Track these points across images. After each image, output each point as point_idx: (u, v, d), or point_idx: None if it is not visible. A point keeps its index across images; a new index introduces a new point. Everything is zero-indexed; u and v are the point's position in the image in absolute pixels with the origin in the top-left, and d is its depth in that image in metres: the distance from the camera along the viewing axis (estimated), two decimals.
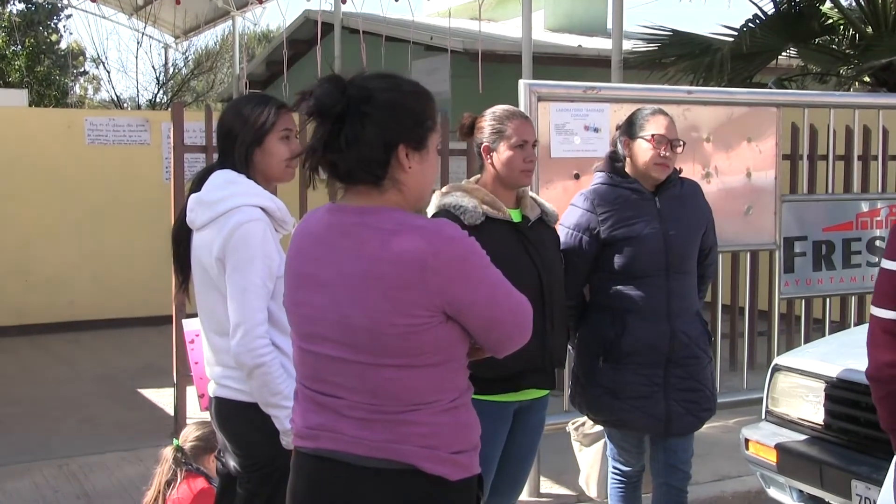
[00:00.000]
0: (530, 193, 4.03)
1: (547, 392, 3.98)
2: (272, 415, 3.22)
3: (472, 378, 3.62)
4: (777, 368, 4.71)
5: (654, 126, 4.12)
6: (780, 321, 6.47)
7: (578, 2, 17.58)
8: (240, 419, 3.33)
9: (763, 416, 4.75)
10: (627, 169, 4.16)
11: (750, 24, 10.00)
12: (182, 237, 3.45)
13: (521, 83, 5.20)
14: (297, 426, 2.58)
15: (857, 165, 6.90)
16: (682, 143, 4.17)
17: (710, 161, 5.70)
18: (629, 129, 4.20)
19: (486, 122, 3.86)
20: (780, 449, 4.41)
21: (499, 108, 3.92)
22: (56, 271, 10.91)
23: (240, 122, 3.39)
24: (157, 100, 26.50)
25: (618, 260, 4.07)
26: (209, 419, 4.21)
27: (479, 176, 3.94)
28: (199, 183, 3.43)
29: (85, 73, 30.14)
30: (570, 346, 4.29)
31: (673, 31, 10.78)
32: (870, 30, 10.46)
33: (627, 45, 11.19)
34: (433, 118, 2.53)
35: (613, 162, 4.22)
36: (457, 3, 18.28)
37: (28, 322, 10.93)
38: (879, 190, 6.76)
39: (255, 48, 24.38)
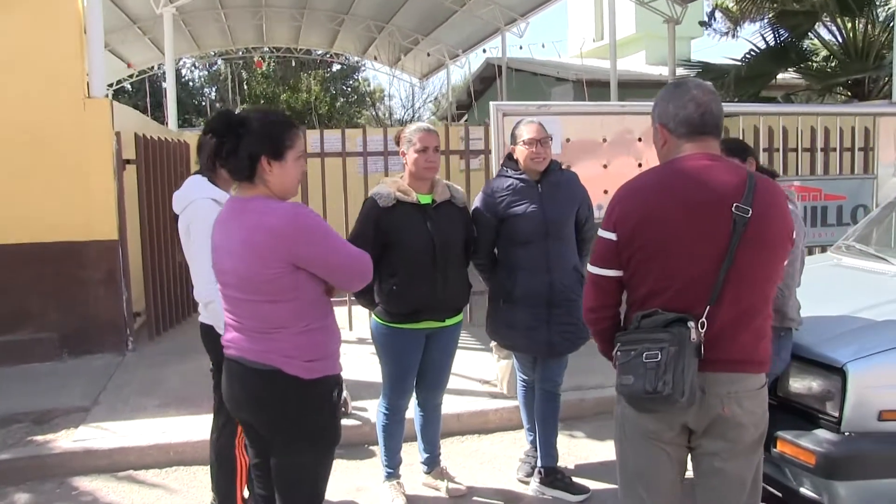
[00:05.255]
0: (445, 182, 3.73)
1: (453, 323, 3.68)
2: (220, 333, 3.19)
3: (388, 313, 3.52)
4: None
5: (525, 133, 3.72)
6: None
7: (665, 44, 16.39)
8: (206, 334, 3.32)
9: None
10: (520, 165, 3.79)
11: (747, 56, 8.96)
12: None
13: (492, 104, 4.86)
14: (223, 340, 2.63)
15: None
16: (550, 137, 3.76)
17: (641, 155, 5.13)
18: (513, 139, 3.81)
19: (403, 135, 3.61)
20: None
21: (413, 125, 3.66)
22: None
23: (208, 144, 3.32)
24: (406, 118, 26.97)
25: (510, 231, 3.72)
26: None
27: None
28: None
29: (374, 105, 30.91)
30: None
31: (702, 63, 9.85)
32: (844, 56, 9.14)
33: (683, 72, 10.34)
34: (291, 139, 2.48)
35: (510, 160, 3.85)
36: (587, 48, 17.53)
37: None
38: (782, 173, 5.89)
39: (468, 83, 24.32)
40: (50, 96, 5.98)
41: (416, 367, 3.68)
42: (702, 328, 2.17)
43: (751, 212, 2.17)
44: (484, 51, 17.60)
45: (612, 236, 2.28)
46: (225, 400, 2.67)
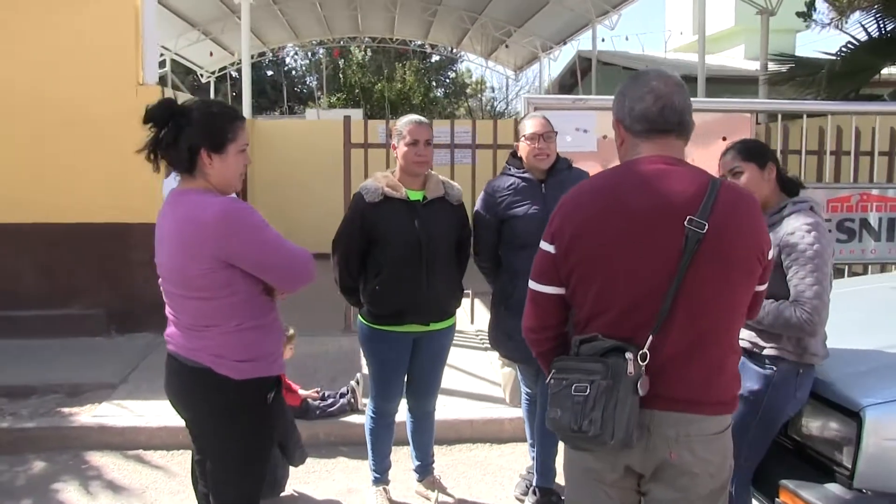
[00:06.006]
0: (441, 178, 3.45)
1: (441, 328, 3.39)
2: None
3: (372, 314, 3.28)
4: None
5: (528, 128, 3.38)
6: None
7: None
8: None
9: None
10: (524, 163, 3.46)
11: (843, 50, 8.06)
12: None
13: (523, 97, 4.51)
14: (165, 334, 2.51)
15: (828, 159, 5.23)
16: (554, 133, 3.41)
17: (688, 155, 4.59)
18: (516, 135, 3.49)
19: (395, 128, 3.36)
20: None
21: (404, 118, 3.38)
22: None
23: None
24: (498, 110, 26.48)
25: (510, 233, 3.39)
26: None
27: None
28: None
29: (471, 96, 30.56)
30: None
31: (795, 57, 9.03)
32: None
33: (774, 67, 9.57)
34: (232, 132, 2.32)
35: (514, 157, 3.53)
36: (687, 41, 16.64)
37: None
38: (851, 180, 5.16)
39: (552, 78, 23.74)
40: (105, 83, 6.07)
41: (402, 372, 3.43)
42: (643, 360, 1.81)
43: (707, 227, 1.79)
44: (564, 42, 17.01)
45: (551, 248, 1.95)
46: (166, 394, 2.54)
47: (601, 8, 14.63)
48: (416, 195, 3.30)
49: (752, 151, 2.70)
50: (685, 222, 1.79)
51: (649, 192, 1.84)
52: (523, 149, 3.39)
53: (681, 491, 1.88)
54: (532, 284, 2.01)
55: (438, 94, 26.68)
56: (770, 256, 1.94)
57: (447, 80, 27.68)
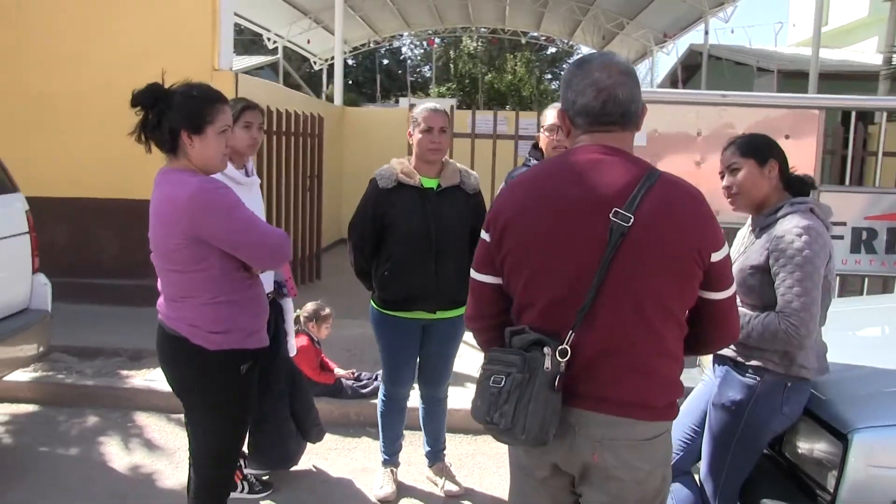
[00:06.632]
0: (460, 166, 3.44)
1: (449, 316, 3.35)
2: None
3: (382, 299, 3.33)
4: None
5: (548, 119, 3.32)
6: None
7: None
8: None
9: None
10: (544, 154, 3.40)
11: None
12: None
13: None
14: (158, 303, 2.66)
15: None
16: None
17: None
18: (539, 126, 3.43)
19: (411, 115, 3.37)
20: None
21: (420, 105, 3.40)
22: None
23: None
24: None
25: None
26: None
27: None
28: None
29: None
30: None
31: None
32: None
33: None
34: (211, 115, 2.42)
35: (535, 149, 3.47)
36: (802, 37, 15.61)
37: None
38: None
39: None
40: (183, 68, 6.39)
41: (411, 358, 3.46)
42: (563, 356, 1.75)
43: (633, 220, 1.70)
44: (665, 36, 16.34)
45: (486, 237, 1.92)
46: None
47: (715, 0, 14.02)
48: (430, 183, 3.31)
49: (753, 146, 2.51)
50: (610, 214, 1.71)
51: (579, 183, 1.77)
52: (543, 140, 3.33)
53: (611, 496, 1.81)
54: (472, 273, 1.98)
55: (553, 86, 26.29)
56: (715, 259, 1.80)
57: (561, 73, 27.30)
